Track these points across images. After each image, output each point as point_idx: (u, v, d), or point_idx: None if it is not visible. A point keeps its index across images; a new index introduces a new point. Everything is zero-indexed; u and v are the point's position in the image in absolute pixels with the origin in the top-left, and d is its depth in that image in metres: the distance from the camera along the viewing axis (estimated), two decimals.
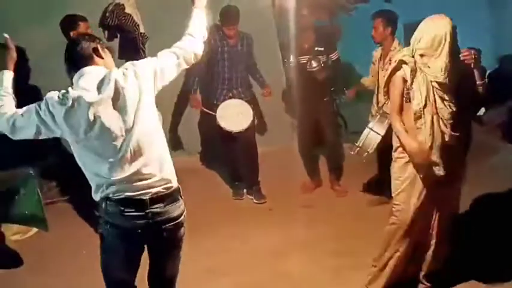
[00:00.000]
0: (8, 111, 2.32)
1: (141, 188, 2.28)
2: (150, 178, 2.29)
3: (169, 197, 2.38)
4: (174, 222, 2.45)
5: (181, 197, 2.50)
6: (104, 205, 2.30)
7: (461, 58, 2.82)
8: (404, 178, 3.03)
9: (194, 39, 2.60)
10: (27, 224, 4.04)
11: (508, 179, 4.68)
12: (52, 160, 4.73)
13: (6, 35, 2.49)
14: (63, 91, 2.26)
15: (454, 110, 2.83)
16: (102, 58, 2.34)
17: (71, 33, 3.89)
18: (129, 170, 2.25)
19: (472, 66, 2.88)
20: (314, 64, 4.71)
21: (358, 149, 4.32)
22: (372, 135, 4.27)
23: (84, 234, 4.09)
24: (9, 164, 4.00)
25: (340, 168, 5.27)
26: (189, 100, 5.07)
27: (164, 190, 2.35)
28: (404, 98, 2.94)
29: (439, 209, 3.08)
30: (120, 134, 2.23)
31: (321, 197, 5.08)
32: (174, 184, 2.42)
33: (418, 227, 3.07)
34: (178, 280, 2.72)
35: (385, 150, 4.41)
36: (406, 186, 3.03)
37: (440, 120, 2.84)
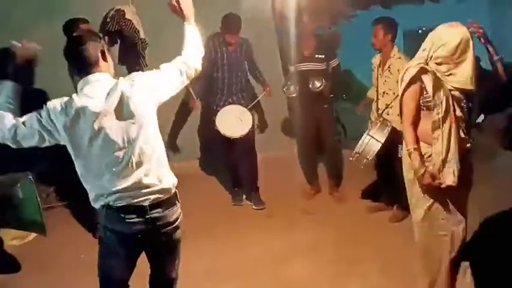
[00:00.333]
0: (8, 122, 2.27)
1: (142, 195, 2.30)
2: (150, 187, 2.31)
3: (168, 202, 2.41)
4: (172, 226, 2.48)
5: (178, 201, 2.53)
6: (104, 212, 2.30)
7: (471, 30, 2.78)
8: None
9: (194, 54, 2.59)
10: (25, 229, 4.04)
11: (507, 185, 4.69)
12: (51, 165, 4.72)
13: (14, 42, 2.47)
14: (66, 99, 2.24)
15: (467, 116, 2.84)
16: (107, 61, 2.34)
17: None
18: (130, 180, 2.26)
19: (482, 42, 2.90)
20: (317, 84, 4.73)
21: (358, 155, 4.33)
22: (371, 142, 4.28)
23: (83, 239, 4.09)
24: (8, 168, 4.00)
25: (340, 175, 5.27)
26: (189, 103, 5.07)
27: (162, 196, 2.37)
28: (421, 108, 2.87)
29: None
30: (123, 146, 2.25)
31: (320, 203, 5.07)
32: (172, 189, 2.43)
33: None
34: (179, 286, 2.75)
35: (384, 157, 4.44)
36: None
37: (459, 128, 2.81)
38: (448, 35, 2.75)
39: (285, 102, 6.00)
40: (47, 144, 2.30)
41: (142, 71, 5.31)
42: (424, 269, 3.11)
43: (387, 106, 4.38)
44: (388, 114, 4.39)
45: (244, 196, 5.13)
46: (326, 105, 4.96)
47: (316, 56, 4.84)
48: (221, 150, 5.06)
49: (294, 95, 4.92)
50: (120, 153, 2.25)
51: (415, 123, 2.90)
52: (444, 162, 2.80)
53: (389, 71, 4.34)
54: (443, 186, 2.83)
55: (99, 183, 2.27)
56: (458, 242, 2.97)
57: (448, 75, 2.77)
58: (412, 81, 2.84)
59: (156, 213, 2.34)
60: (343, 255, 3.89)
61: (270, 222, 4.64)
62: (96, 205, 2.33)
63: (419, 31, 12.00)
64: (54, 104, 2.24)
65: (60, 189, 5.04)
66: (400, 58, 4.31)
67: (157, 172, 2.34)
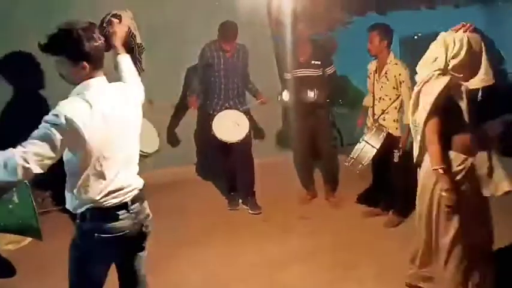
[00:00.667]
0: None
1: (128, 192, 2.38)
2: (130, 186, 2.40)
3: (141, 196, 2.49)
4: (150, 218, 2.60)
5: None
6: (93, 215, 2.31)
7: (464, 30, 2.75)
8: None
9: (138, 85, 2.74)
10: (21, 233, 4.02)
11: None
12: (47, 170, 4.72)
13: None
14: (83, 104, 2.16)
15: None
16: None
17: None
18: (118, 183, 2.32)
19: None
20: (310, 95, 4.75)
21: (353, 161, 4.35)
22: (366, 148, 4.30)
23: None
24: None
25: (336, 180, 5.27)
26: (188, 102, 5.07)
27: (137, 191, 2.45)
28: (453, 118, 2.79)
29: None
30: (120, 150, 2.30)
31: (316, 208, 5.07)
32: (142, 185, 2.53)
33: None
34: None
35: (380, 162, 4.46)
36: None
37: None
38: (463, 40, 2.70)
39: (280, 109, 6.02)
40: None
41: (139, 75, 5.36)
42: None
43: (383, 112, 4.40)
44: (384, 120, 4.41)
45: (240, 201, 5.13)
46: (321, 110, 4.97)
47: (312, 62, 4.85)
48: (218, 155, 5.06)
49: (287, 104, 4.93)
50: (124, 154, 2.33)
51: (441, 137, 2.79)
52: (491, 169, 2.77)
53: (386, 77, 4.36)
54: (499, 194, 2.79)
55: (93, 187, 2.27)
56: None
57: (468, 78, 2.74)
58: (442, 93, 2.72)
59: (136, 207, 2.43)
60: (339, 260, 3.89)
61: (266, 227, 4.64)
62: (82, 209, 2.31)
63: (415, 37, 12.07)
64: (74, 108, 2.12)
65: (56, 193, 5.02)
66: (396, 64, 4.34)
67: (137, 170, 2.47)
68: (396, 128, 4.38)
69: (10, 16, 4.86)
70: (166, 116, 5.70)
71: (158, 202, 5.18)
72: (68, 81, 2.29)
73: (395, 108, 4.37)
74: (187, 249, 4.16)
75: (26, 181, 3.72)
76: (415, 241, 3.23)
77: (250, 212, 4.97)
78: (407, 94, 4.29)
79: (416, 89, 2.86)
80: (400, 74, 4.29)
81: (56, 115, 2.06)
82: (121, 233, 2.36)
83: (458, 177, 2.82)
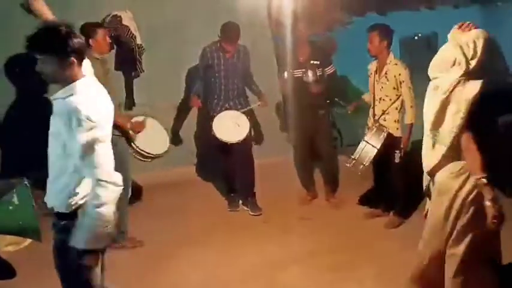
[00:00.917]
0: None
1: None
2: None
3: None
4: None
5: None
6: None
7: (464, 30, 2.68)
8: None
9: None
10: (21, 234, 4.02)
11: None
12: (47, 171, 4.71)
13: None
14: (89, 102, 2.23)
15: None
16: None
17: (90, 41, 3.91)
18: None
19: None
20: (310, 75, 4.74)
21: (354, 161, 4.34)
22: (367, 148, 4.30)
23: None
24: (4, 174, 3.99)
25: (335, 181, 5.26)
26: (190, 102, 5.07)
27: None
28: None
29: None
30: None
31: (317, 209, 5.06)
32: None
33: None
34: None
35: (381, 163, 4.46)
36: None
37: None
38: (480, 39, 2.62)
39: (280, 109, 6.02)
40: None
41: (139, 76, 5.38)
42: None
43: (383, 112, 4.40)
44: (384, 120, 4.41)
45: (240, 202, 5.12)
46: (322, 111, 4.96)
47: (311, 62, 4.85)
48: (218, 156, 5.06)
49: (312, 80, 4.83)
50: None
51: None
52: None
53: (386, 77, 4.36)
54: None
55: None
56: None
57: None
58: (475, 98, 2.57)
59: None
60: (339, 261, 3.88)
61: (267, 228, 4.63)
62: (71, 208, 2.32)
63: (415, 37, 12.08)
64: (88, 109, 2.17)
65: None
66: (396, 64, 4.34)
67: None
68: (397, 129, 4.38)
69: (10, 16, 4.85)
70: (168, 117, 5.69)
71: (158, 203, 5.20)
72: (53, 80, 2.30)
73: (396, 108, 4.37)
74: (187, 250, 4.16)
75: (25, 182, 3.74)
76: (419, 255, 2.95)
77: (251, 213, 4.96)
78: (407, 94, 4.30)
79: (441, 97, 2.64)
80: (400, 74, 4.29)
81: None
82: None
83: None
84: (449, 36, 2.72)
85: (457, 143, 2.62)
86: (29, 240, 4.19)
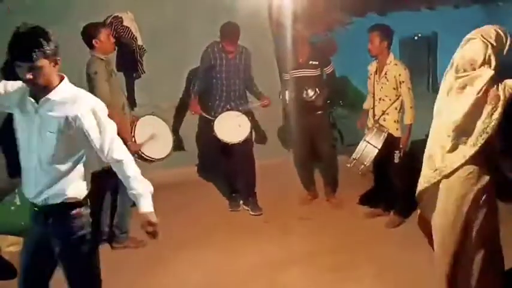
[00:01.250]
0: None
1: None
2: None
3: None
4: None
5: None
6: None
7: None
8: None
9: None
10: (22, 235, 4.03)
11: None
12: None
13: None
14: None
15: None
16: None
17: (94, 41, 3.92)
18: None
19: None
20: (310, 93, 4.75)
21: (355, 161, 4.35)
22: (368, 148, 4.31)
23: None
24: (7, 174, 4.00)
25: (335, 181, 5.28)
26: (189, 106, 5.08)
27: None
28: None
29: None
30: None
31: (317, 209, 5.08)
32: None
33: None
34: None
35: (381, 163, 4.47)
36: None
37: None
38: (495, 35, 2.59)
39: (281, 110, 6.02)
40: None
41: (140, 77, 5.39)
42: None
43: (383, 112, 4.41)
44: (384, 121, 4.42)
45: (241, 202, 5.13)
46: (321, 111, 4.97)
47: (310, 62, 4.86)
48: (219, 156, 5.07)
49: (288, 102, 4.93)
50: None
51: None
52: None
53: (385, 77, 4.37)
54: None
55: None
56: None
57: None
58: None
59: None
60: (340, 261, 3.89)
61: (267, 228, 4.65)
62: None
63: (415, 38, 12.07)
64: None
65: None
66: (396, 65, 4.35)
67: None
68: (397, 129, 4.39)
69: (10, 16, 4.86)
70: (169, 117, 5.69)
71: (159, 202, 5.18)
72: (37, 85, 2.24)
73: (396, 108, 4.39)
74: (187, 250, 4.17)
75: None
76: (441, 264, 2.86)
77: (251, 213, 4.97)
78: (407, 94, 4.31)
79: (474, 97, 2.55)
80: (400, 75, 4.30)
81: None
82: None
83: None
84: (473, 34, 2.65)
85: (488, 144, 2.58)
86: None
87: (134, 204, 4.32)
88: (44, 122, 2.29)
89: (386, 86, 4.38)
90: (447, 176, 2.71)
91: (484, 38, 2.56)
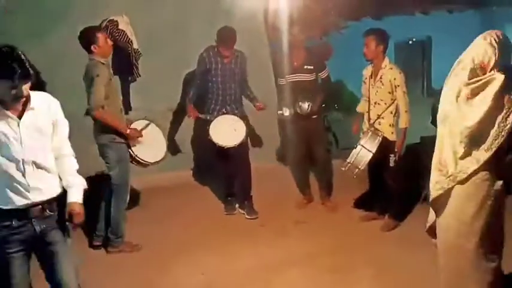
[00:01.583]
0: None
1: None
2: None
3: None
4: None
5: None
6: None
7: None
8: None
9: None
10: None
11: None
12: None
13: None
14: None
15: None
16: None
17: (92, 47, 3.90)
18: None
19: None
20: (304, 107, 4.78)
21: (350, 165, 4.36)
22: (362, 152, 4.31)
23: (76, 249, 4.06)
24: None
25: (330, 185, 5.28)
26: (186, 110, 5.08)
27: None
28: None
29: None
30: None
31: (313, 212, 5.08)
32: None
33: None
34: None
35: (376, 166, 4.48)
36: None
37: None
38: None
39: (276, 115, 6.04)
40: None
41: (135, 80, 5.39)
42: None
43: (379, 116, 4.43)
44: (379, 124, 4.43)
45: (237, 205, 5.13)
46: (316, 116, 4.98)
47: (305, 66, 4.88)
48: (215, 160, 5.07)
49: (308, 111, 4.89)
50: None
51: None
52: None
53: (381, 81, 4.38)
54: None
55: None
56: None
57: None
58: None
59: None
60: (336, 263, 3.89)
61: (263, 232, 4.64)
62: None
63: (410, 42, 12.13)
64: None
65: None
66: (391, 69, 4.37)
67: None
68: (392, 133, 4.40)
69: (9, 15, 4.85)
70: (164, 120, 5.69)
71: (155, 206, 5.21)
72: (16, 100, 2.35)
73: (391, 112, 4.40)
74: (183, 253, 4.16)
75: None
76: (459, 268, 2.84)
77: (247, 216, 4.97)
78: (402, 98, 4.32)
79: (489, 103, 2.54)
80: (395, 79, 4.32)
81: None
82: None
83: None
84: (481, 39, 2.66)
85: (501, 147, 2.59)
86: None
87: (128, 208, 4.36)
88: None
89: (382, 90, 4.39)
90: (462, 182, 2.71)
91: (491, 41, 2.60)
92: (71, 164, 2.66)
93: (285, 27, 5.26)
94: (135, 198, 5.07)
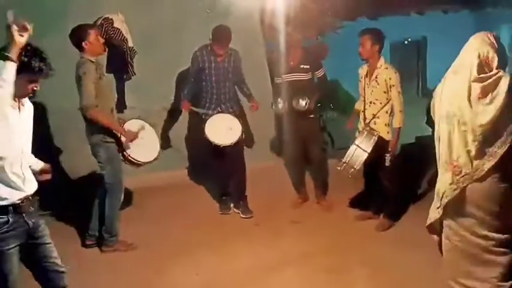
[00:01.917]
0: None
1: None
2: None
3: None
4: None
5: None
6: None
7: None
8: None
9: None
10: None
11: None
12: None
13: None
14: None
15: None
16: None
17: (83, 44, 3.87)
18: None
19: None
20: (302, 103, 4.78)
21: (345, 165, 4.35)
22: (358, 152, 4.31)
23: (69, 249, 4.04)
24: None
25: (326, 184, 5.28)
26: (180, 104, 5.06)
27: None
28: None
29: None
30: None
31: (308, 212, 5.08)
32: None
33: None
34: None
35: (371, 166, 4.48)
36: None
37: None
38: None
39: (272, 114, 6.03)
40: None
41: (130, 79, 5.37)
42: None
43: (374, 116, 4.43)
44: (375, 124, 4.43)
45: (232, 205, 5.12)
46: (312, 115, 4.98)
47: (301, 66, 4.88)
48: (210, 159, 5.06)
49: (282, 111, 4.94)
50: None
51: None
52: None
53: (376, 81, 4.39)
54: None
55: None
56: None
57: None
58: None
59: None
60: (331, 263, 3.89)
61: (258, 231, 4.64)
62: None
63: (405, 42, 12.16)
64: None
65: (45, 198, 4.98)
66: (387, 68, 4.37)
67: None
68: (387, 132, 4.40)
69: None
70: (159, 119, 5.68)
71: (150, 206, 5.19)
72: (29, 94, 2.50)
73: (386, 112, 4.40)
74: (178, 253, 4.15)
75: None
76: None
77: (242, 216, 4.97)
78: (396, 98, 4.33)
79: (500, 102, 2.57)
80: (390, 78, 4.32)
81: None
82: None
83: None
84: (478, 37, 2.70)
85: None
86: None
87: (122, 208, 4.34)
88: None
89: (377, 89, 4.39)
90: (479, 180, 2.69)
91: (489, 39, 2.65)
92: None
93: (281, 27, 5.25)
94: (128, 197, 5.05)
